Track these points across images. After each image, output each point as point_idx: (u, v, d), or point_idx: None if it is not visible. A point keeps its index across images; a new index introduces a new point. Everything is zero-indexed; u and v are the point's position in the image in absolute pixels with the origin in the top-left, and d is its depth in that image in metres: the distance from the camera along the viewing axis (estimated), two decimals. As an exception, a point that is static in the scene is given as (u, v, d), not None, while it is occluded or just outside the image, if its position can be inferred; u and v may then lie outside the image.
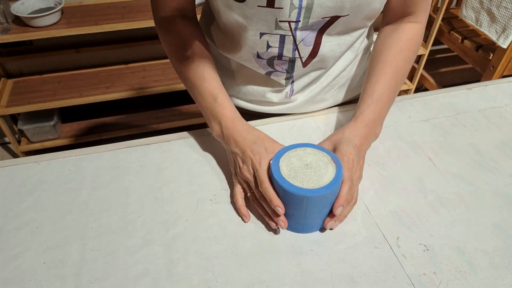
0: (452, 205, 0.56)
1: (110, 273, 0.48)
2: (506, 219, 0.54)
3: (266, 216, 0.53)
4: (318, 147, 0.54)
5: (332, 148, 0.56)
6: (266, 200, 0.51)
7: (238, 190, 0.56)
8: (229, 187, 0.59)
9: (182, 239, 0.52)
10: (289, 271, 0.48)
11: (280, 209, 0.49)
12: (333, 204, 0.50)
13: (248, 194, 0.55)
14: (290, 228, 0.53)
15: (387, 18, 0.67)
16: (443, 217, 0.54)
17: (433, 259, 0.49)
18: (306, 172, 0.50)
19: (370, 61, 0.66)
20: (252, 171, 0.53)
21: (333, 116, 0.72)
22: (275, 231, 0.53)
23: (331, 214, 0.51)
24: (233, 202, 0.57)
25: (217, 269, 0.49)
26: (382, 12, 0.62)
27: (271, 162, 0.51)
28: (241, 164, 0.55)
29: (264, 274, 0.48)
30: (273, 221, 0.52)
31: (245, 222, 0.54)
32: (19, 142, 1.81)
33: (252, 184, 0.53)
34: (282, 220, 0.50)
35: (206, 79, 0.61)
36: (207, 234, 0.53)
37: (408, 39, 0.64)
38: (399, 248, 0.51)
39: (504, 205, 0.56)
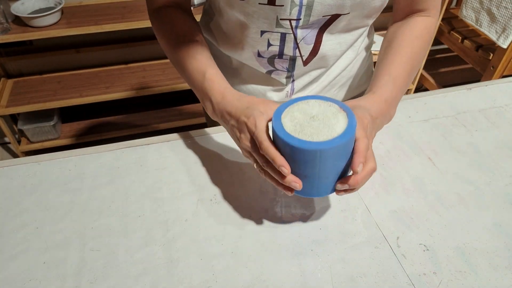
0: (452, 205, 0.56)
1: (110, 273, 0.48)
2: (506, 219, 0.54)
3: (278, 185, 0.47)
4: (323, 97, 0.47)
5: None
6: (271, 164, 0.45)
7: (254, 164, 0.50)
8: (229, 187, 0.59)
9: (182, 239, 0.52)
10: (289, 271, 0.48)
11: (285, 169, 0.43)
12: (351, 162, 0.44)
13: (255, 166, 0.49)
14: (303, 193, 0.46)
15: (396, 16, 0.65)
16: (443, 217, 0.54)
17: (433, 259, 0.49)
18: (314, 124, 0.43)
19: (382, 47, 0.63)
20: (249, 136, 0.48)
21: (333, 116, 0.72)
22: (275, 231, 0.53)
23: (343, 178, 0.45)
24: (233, 202, 0.57)
25: (217, 269, 0.49)
26: (385, 11, 0.62)
27: (272, 120, 0.45)
28: (238, 134, 0.49)
29: (264, 274, 0.48)
30: (287, 188, 0.46)
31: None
32: (19, 142, 1.81)
33: (253, 151, 0.47)
34: (294, 181, 0.44)
35: (196, 57, 0.57)
36: (207, 234, 0.53)
37: (422, 28, 0.61)
38: (399, 248, 0.51)
39: (504, 205, 0.56)
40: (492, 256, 0.50)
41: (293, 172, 0.44)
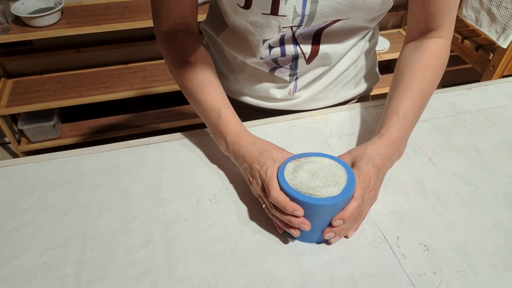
0: (452, 205, 0.56)
1: (110, 273, 0.48)
2: (506, 219, 0.54)
3: (285, 226, 0.50)
4: (326, 155, 0.52)
5: (351, 163, 0.53)
6: (279, 209, 0.48)
7: (263, 205, 0.53)
8: (229, 187, 0.59)
9: (182, 239, 0.52)
10: (289, 271, 0.48)
11: (299, 212, 0.46)
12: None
13: (263, 207, 0.53)
14: (289, 235, 0.52)
15: (409, 35, 0.64)
16: (443, 217, 0.54)
17: (433, 259, 0.49)
18: (316, 181, 0.48)
19: (393, 77, 0.63)
20: (260, 183, 0.51)
21: (333, 116, 0.72)
22: (276, 231, 0.53)
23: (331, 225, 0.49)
24: (233, 202, 0.57)
25: (217, 269, 0.49)
26: (389, 11, 0.62)
27: (278, 174, 0.50)
28: (251, 178, 0.53)
29: (264, 274, 0.48)
30: (293, 228, 0.49)
31: (280, 232, 0.52)
32: (19, 142, 1.81)
33: (263, 197, 0.51)
34: (303, 222, 0.47)
35: (210, 94, 0.59)
36: (207, 234, 0.53)
37: (434, 55, 0.60)
38: (399, 248, 0.51)
39: (504, 205, 0.56)
40: (492, 256, 0.50)
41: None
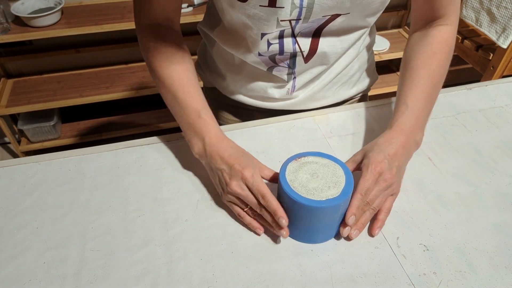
0: (452, 205, 0.56)
1: (110, 273, 0.48)
2: (506, 219, 0.54)
3: (269, 226, 0.51)
4: (324, 154, 0.52)
5: (362, 155, 0.54)
6: (268, 212, 0.49)
7: (237, 208, 0.53)
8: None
9: (182, 239, 0.52)
10: (289, 271, 0.48)
11: (284, 221, 0.48)
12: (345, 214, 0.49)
13: (245, 210, 0.52)
14: (294, 236, 0.52)
15: (414, 25, 0.64)
16: (443, 217, 0.54)
17: (433, 259, 0.49)
18: (315, 183, 0.49)
19: (401, 68, 0.63)
20: (244, 185, 0.50)
21: (333, 116, 0.72)
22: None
23: (344, 223, 0.50)
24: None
25: (217, 269, 0.49)
26: (387, 11, 0.62)
27: (279, 176, 0.50)
28: (228, 180, 0.51)
29: (264, 274, 0.48)
30: (280, 229, 0.50)
31: (259, 234, 0.52)
32: (19, 142, 1.81)
33: (248, 198, 0.50)
34: (286, 231, 0.49)
35: (191, 93, 0.58)
36: (207, 234, 0.53)
37: (440, 42, 0.60)
38: (399, 248, 0.51)
39: (504, 205, 0.56)
40: (492, 256, 0.50)
41: (293, 222, 0.49)
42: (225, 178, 0.52)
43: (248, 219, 0.52)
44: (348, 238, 0.52)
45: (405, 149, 0.54)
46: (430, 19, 0.61)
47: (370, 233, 0.52)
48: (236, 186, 0.51)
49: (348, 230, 0.50)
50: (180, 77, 0.58)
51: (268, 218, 0.50)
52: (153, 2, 0.58)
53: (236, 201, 0.53)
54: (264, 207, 0.50)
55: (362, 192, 0.49)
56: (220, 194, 0.55)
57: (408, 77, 0.59)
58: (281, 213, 0.48)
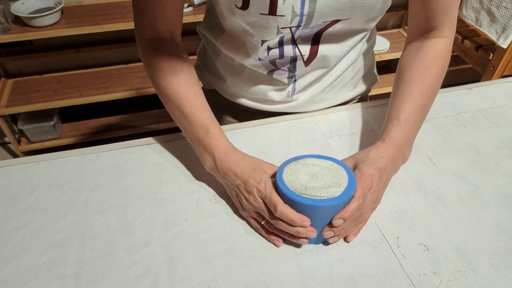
0: (452, 205, 0.56)
1: (110, 273, 0.48)
2: (506, 219, 0.54)
3: (292, 238, 0.50)
4: (323, 156, 0.52)
5: (353, 166, 0.53)
6: (285, 223, 0.48)
7: (255, 223, 0.53)
8: (229, 187, 0.59)
9: (182, 239, 0.52)
10: (289, 271, 0.48)
11: (307, 222, 0.47)
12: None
13: (263, 223, 0.52)
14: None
15: (410, 35, 0.64)
16: (443, 217, 0.54)
17: (433, 259, 0.49)
18: (315, 183, 0.48)
19: (395, 81, 0.63)
20: (260, 199, 0.50)
21: (333, 116, 0.72)
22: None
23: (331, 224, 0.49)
24: (234, 202, 0.57)
25: (217, 269, 0.49)
26: (387, 11, 0.61)
27: (276, 180, 0.50)
28: (247, 195, 0.51)
29: (264, 274, 0.48)
30: (301, 238, 0.49)
31: (278, 246, 0.51)
32: (19, 142, 1.81)
33: (265, 213, 0.50)
34: (311, 231, 0.48)
35: (198, 107, 0.57)
36: (207, 234, 0.53)
37: (434, 55, 0.59)
38: (399, 248, 0.51)
39: (504, 205, 0.56)
40: (492, 256, 0.50)
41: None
42: (243, 193, 0.52)
43: (266, 233, 0.52)
44: (327, 242, 0.51)
45: (394, 164, 0.54)
46: (426, 30, 0.61)
47: (346, 239, 0.51)
48: (254, 201, 0.50)
49: (331, 233, 0.49)
50: (185, 91, 0.57)
51: (285, 227, 0.48)
52: (156, 14, 0.56)
53: (254, 215, 0.52)
54: (279, 219, 0.48)
55: (359, 200, 0.48)
56: (238, 208, 0.55)
57: (402, 91, 0.58)
58: (299, 220, 0.47)
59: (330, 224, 0.49)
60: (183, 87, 0.57)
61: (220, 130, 0.57)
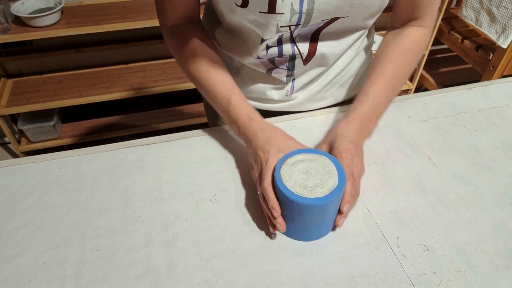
0: (452, 205, 0.56)
1: (110, 273, 0.48)
2: (506, 219, 0.54)
3: (267, 218, 0.52)
4: (318, 151, 0.52)
5: (329, 147, 0.55)
6: (265, 200, 0.50)
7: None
8: (229, 187, 0.59)
9: (182, 239, 0.52)
10: (289, 271, 0.48)
11: (275, 211, 0.48)
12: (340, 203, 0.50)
13: (258, 193, 0.53)
14: (290, 234, 0.52)
15: (393, 23, 0.67)
16: (443, 217, 0.54)
17: (433, 259, 0.49)
18: (308, 179, 0.48)
19: (372, 63, 0.66)
20: (260, 170, 0.53)
21: (333, 116, 0.72)
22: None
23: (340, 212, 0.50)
24: (233, 202, 0.57)
25: (217, 269, 0.49)
26: (386, 11, 0.62)
27: (274, 173, 0.50)
28: (253, 164, 0.55)
29: (264, 274, 0.48)
30: (272, 225, 0.50)
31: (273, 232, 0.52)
32: (19, 142, 1.81)
33: (258, 186, 0.53)
34: (279, 223, 0.49)
35: (218, 81, 0.61)
36: (207, 234, 0.53)
37: (410, 42, 0.63)
38: (399, 248, 0.51)
39: (504, 205, 0.56)
40: (492, 256, 0.50)
41: (288, 218, 0.50)
42: (251, 161, 0.56)
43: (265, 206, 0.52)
44: (334, 228, 0.53)
45: (362, 134, 0.57)
46: (408, 19, 0.64)
47: (336, 223, 0.51)
48: (256, 170, 0.54)
49: (342, 220, 0.51)
50: (206, 68, 0.61)
51: (266, 208, 0.50)
52: (175, 4, 0.61)
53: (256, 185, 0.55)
54: (263, 196, 0.50)
55: (350, 179, 0.50)
56: (254, 181, 0.56)
57: (375, 70, 0.62)
58: (272, 202, 0.48)
59: (339, 212, 0.50)
60: (203, 64, 0.61)
61: (241, 99, 0.60)
